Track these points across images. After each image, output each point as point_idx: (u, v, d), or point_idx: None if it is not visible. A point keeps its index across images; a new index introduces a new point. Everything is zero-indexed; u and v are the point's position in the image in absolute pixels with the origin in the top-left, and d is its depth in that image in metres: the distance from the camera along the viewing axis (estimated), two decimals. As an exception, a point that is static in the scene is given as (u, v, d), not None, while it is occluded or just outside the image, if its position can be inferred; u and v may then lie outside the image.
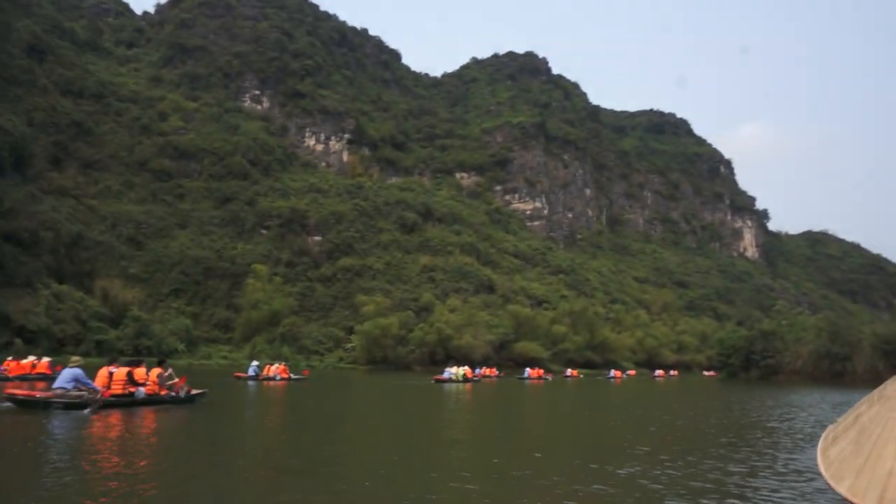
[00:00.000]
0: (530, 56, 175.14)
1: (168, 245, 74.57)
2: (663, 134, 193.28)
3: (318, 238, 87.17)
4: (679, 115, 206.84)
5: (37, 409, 13.82)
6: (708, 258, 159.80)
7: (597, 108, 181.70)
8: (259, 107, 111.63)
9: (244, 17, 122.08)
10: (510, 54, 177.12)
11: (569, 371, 70.75)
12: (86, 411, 14.00)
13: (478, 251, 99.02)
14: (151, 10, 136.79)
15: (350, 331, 73.66)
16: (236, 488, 7.45)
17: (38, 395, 14.41)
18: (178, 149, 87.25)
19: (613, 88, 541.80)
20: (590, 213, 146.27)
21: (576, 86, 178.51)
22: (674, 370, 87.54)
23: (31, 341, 48.20)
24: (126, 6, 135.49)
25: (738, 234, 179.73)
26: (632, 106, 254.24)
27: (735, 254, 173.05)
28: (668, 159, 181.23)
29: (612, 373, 68.70)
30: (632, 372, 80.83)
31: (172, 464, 8.73)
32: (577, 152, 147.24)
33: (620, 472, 8.61)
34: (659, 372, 79.13)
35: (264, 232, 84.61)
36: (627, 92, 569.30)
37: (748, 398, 31.98)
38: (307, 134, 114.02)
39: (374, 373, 59.60)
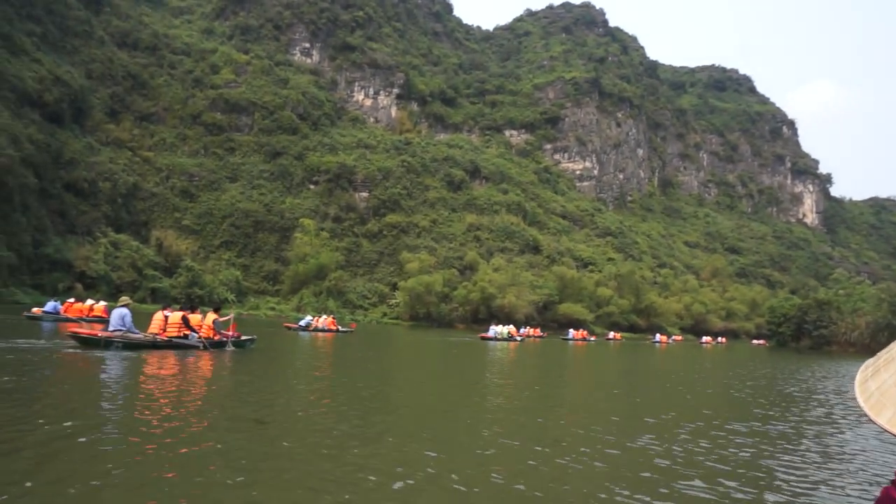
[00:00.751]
0: (586, 7, 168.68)
1: (219, 198, 76.21)
2: (724, 91, 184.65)
3: (364, 194, 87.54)
4: (742, 71, 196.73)
5: (98, 347, 14.50)
6: (763, 223, 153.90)
7: (655, 63, 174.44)
8: (309, 60, 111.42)
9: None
10: (566, 5, 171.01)
11: (611, 334, 70.07)
12: (143, 352, 14.76)
13: (524, 211, 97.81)
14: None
15: (394, 287, 74.50)
16: (280, 420, 7.95)
17: (99, 334, 14.93)
18: (229, 102, 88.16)
19: (673, 42, 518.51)
20: (641, 174, 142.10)
21: (633, 39, 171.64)
22: (721, 337, 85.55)
23: (91, 287, 50.47)
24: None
25: (797, 199, 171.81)
26: (692, 61, 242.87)
27: (793, 220, 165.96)
28: (727, 118, 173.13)
29: (658, 337, 67.77)
30: (678, 337, 79.47)
31: (220, 400, 9.21)
32: (631, 110, 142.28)
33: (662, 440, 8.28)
34: (706, 339, 77.52)
35: (312, 187, 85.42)
36: (688, 46, 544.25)
37: (801, 367, 30.84)
38: (356, 88, 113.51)
39: (417, 329, 60.23)
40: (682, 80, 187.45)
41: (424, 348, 28.78)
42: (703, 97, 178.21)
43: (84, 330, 15.76)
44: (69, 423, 6.53)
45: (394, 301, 73.58)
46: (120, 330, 15.30)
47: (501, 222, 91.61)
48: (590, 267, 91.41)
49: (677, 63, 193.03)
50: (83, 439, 5.95)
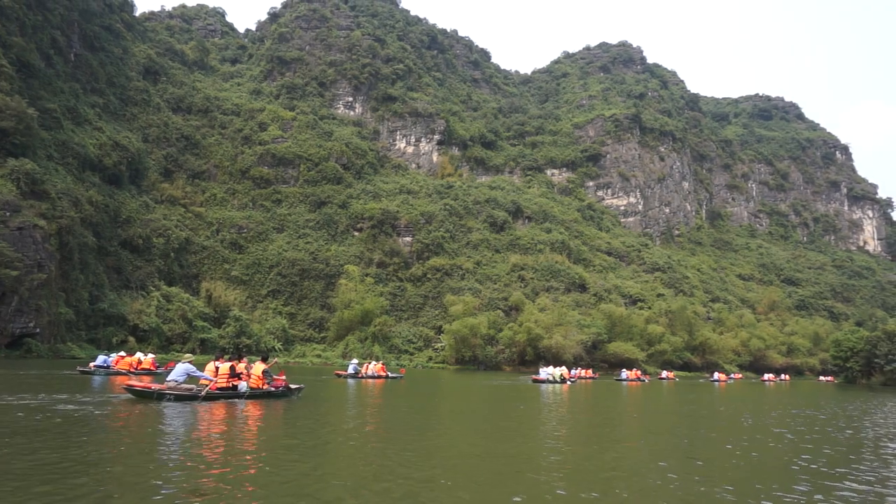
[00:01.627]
0: (624, 46, 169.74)
1: (266, 248, 78.67)
2: (771, 119, 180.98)
3: (408, 238, 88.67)
4: (788, 98, 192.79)
5: (151, 399, 15.18)
6: (821, 253, 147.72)
7: (696, 95, 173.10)
8: (352, 112, 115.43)
9: (338, 27, 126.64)
10: (602, 45, 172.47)
11: (664, 373, 67.72)
12: (195, 403, 15.33)
13: (569, 249, 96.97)
14: (253, 27, 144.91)
15: (439, 330, 74.45)
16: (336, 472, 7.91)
17: (153, 387, 15.64)
18: (275, 156, 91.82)
19: (714, 74, 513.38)
20: (688, 207, 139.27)
21: (673, 74, 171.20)
22: (784, 374, 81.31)
23: (144, 339, 52.44)
24: (230, 26, 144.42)
25: (856, 226, 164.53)
26: (735, 92, 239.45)
27: (853, 247, 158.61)
28: (775, 147, 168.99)
29: (716, 376, 64.69)
30: (737, 375, 76.15)
31: (271, 449, 9.33)
32: (674, 143, 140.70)
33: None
34: (768, 376, 73.35)
35: (356, 234, 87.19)
36: (730, 77, 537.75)
37: (878, 407, 27.97)
38: (398, 136, 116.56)
39: (464, 372, 59.61)
40: (726, 110, 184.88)
41: (476, 393, 27.88)
42: (748, 127, 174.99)
43: (138, 383, 16.49)
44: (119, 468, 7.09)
45: (439, 345, 73.41)
46: (175, 381, 15.99)
47: (546, 261, 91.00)
48: (639, 304, 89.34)
49: (719, 94, 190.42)
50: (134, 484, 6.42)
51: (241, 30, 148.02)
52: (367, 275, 78.30)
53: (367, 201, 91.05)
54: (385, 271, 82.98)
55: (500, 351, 72.22)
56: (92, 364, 29.39)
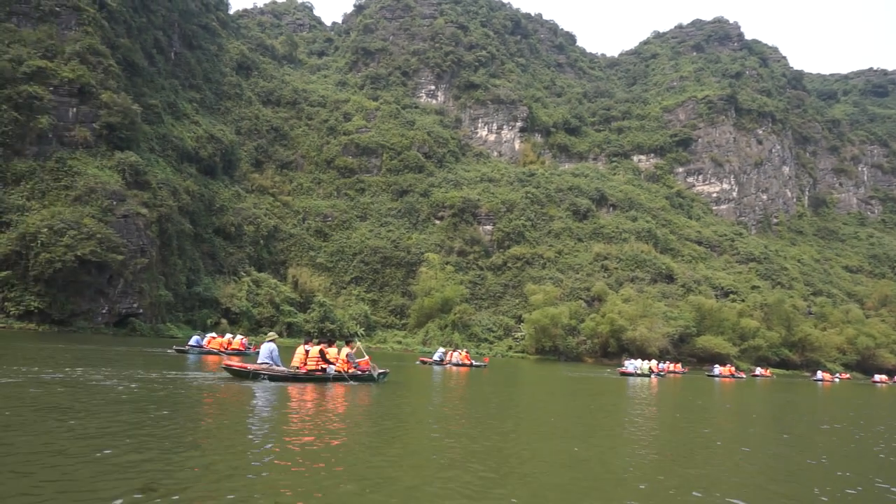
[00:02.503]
0: (719, 22, 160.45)
1: (350, 236, 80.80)
2: (886, 96, 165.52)
3: (489, 227, 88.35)
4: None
5: (247, 378, 15.95)
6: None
7: (800, 73, 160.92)
8: (434, 101, 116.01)
9: (422, 15, 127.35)
10: (696, 22, 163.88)
11: (758, 370, 64.05)
12: (287, 384, 15.96)
13: (656, 238, 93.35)
14: (340, 20, 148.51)
15: (519, 319, 73.92)
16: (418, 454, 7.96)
17: (248, 367, 16.43)
18: (359, 146, 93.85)
19: (821, 49, 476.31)
20: (788, 193, 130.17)
21: (774, 50, 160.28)
22: None
23: (235, 322, 55.30)
24: (318, 19, 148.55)
25: None
26: (845, 67, 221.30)
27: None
28: (891, 126, 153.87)
29: (820, 375, 60.01)
30: (844, 375, 70.70)
31: (359, 430, 9.55)
32: (774, 125, 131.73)
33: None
34: (881, 377, 66.12)
35: (437, 222, 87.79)
36: (839, 51, 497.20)
37: None
38: (479, 124, 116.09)
39: (544, 363, 58.95)
40: (834, 88, 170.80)
41: (561, 385, 27.09)
42: (859, 105, 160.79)
43: (235, 363, 17.20)
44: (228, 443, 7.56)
45: (519, 334, 72.91)
46: (267, 363, 16.70)
47: (631, 251, 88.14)
48: (731, 296, 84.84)
49: (827, 71, 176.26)
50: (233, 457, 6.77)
51: (328, 23, 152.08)
52: (447, 263, 78.71)
53: (448, 190, 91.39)
54: (465, 259, 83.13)
55: (582, 342, 70.81)
56: (187, 344, 31.28)
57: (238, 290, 58.40)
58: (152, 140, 60.44)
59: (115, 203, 46.16)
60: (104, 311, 43.95)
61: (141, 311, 46.40)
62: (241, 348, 32.60)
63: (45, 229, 40.06)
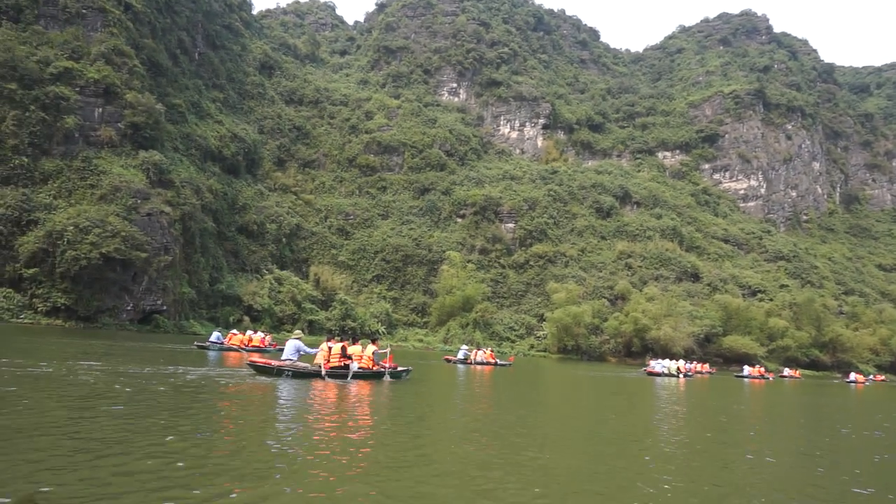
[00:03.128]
0: (747, 15, 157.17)
1: (371, 234, 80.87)
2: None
3: (511, 225, 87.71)
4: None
5: (271, 374, 16.20)
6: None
7: (831, 66, 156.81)
8: (456, 99, 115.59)
9: (444, 13, 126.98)
10: (723, 16, 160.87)
11: (787, 371, 62.55)
12: (311, 380, 16.23)
13: (681, 236, 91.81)
14: (362, 18, 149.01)
15: (541, 318, 73.27)
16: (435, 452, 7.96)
17: (272, 364, 16.64)
18: (381, 144, 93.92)
19: (854, 41, 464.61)
20: (819, 190, 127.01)
21: (804, 43, 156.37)
22: None
23: (257, 319, 55.65)
24: (340, 19, 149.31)
25: None
26: (879, 59, 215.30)
27: None
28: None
29: (853, 377, 58.52)
30: (880, 377, 68.76)
31: (380, 426, 9.62)
32: (803, 120, 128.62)
33: None
34: None
35: (459, 220, 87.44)
36: (872, 43, 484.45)
37: None
38: (502, 122, 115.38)
39: (567, 362, 58.27)
40: (867, 81, 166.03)
41: (587, 385, 26.72)
42: (893, 98, 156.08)
43: (260, 360, 17.41)
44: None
45: (541, 333, 72.29)
46: (291, 359, 16.96)
47: (655, 249, 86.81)
48: (759, 295, 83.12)
49: (859, 64, 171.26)
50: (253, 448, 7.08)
51: (351, 22, 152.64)
52: (469, 261, 78.34)
53: (470, 188, 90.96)
54: (487, 258, 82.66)
55: (605, 341, 69.89)
56: (208, 340, 31.48)
57: (260, 288, 58.79)
58: (176, 139, 61.13)
59: (139, 201, 46.70)
60: (129, 308, 44.49)
61: (165, 308, 46.91)
62: (261, 345, 32.76)
63: (71, 227, 40.65)
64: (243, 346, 31.55)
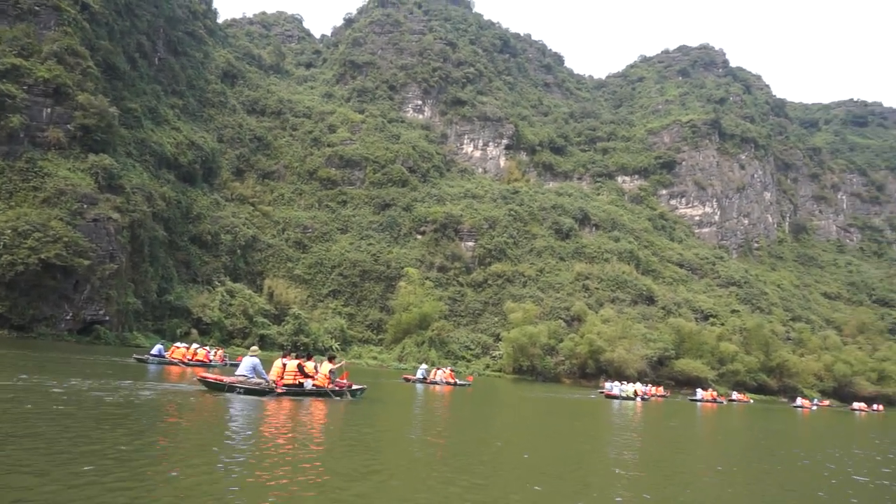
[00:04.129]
0: (705, 49, 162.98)
1: (329, 248, 79.71)
2: (866, 126, 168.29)
3: (471, 243, 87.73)
4: (887, 103, 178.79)
5: (222, 392, 15.68)
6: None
7: (782, 101, 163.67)
8: (421, 116, 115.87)
9: (411, 31, 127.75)
10: (682, 48, 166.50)
11: (735, 395, 63.73)
12: (263, 398, 15.72)
13: (637, 259, 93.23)
14: (329, 33, 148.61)
15: (498, 338, 73.09)
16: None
17: (224, 380, 16.13)
18: (343, 158, 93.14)
19: (803, 78, 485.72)
20: (769, 219, 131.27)
21: (757, 77, 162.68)
22: (878, 404, 73.70)
23: (206, 332, 54.01)
24: (307, 31, 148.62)
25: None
26: (826, 97, 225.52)
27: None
28: (870, 156, 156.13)
29: (799, 401, 59.93)
30: (825, 402, 70.44)
31: (335, 445, 9.63)
32: (756, 151, 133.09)
33: None
34: (859, 405, 65.48)
35: (419, 237, 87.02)
36: (821, 81, 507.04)
37: None
38: (465, 140, 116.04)
39: (521, 382, 58.10)
40: (815, 117, 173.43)
41: (546, 407, 26.46)
42: (839, 134, 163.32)
43: (211, 376, 16.98)
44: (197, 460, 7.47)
45: (497, 352, 72.07)
46: (245, 376, 16.50)
47: (612, 271, 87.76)
48: (711, 319, 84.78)
49: (809, 100, 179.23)
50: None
51: (318, 35, 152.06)
52: (427, 278, 77.86)
53: (432, 205, 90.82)
54: (446, 275, 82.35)
55: (560, 362, 70.03)
56: (148, 353, 30.28)
57: (211, 300, 57.13)
58: (130, 144, 59.36)
59: (85, 206, 45.00)
60: (68, 318, 42.57)
61: (107, 318, 45.08)
62: (205, 359, 31.75)
63: (9, 231, 38.84)
64: (185, 360, 30.52)
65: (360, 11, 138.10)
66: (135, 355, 29.88)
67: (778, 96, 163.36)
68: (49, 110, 48.80)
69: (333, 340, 64.27)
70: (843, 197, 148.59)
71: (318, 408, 14.91)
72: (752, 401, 65.58)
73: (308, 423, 12.07)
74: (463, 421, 16.14)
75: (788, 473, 11.45)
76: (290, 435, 9.97)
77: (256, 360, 16.98)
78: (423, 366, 40.07)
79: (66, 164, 47.38)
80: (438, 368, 39.71)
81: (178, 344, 33.20)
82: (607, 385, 43.52)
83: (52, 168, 46.00)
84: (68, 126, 49.20)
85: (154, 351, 30.25)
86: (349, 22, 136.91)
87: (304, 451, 8.55)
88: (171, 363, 29.64)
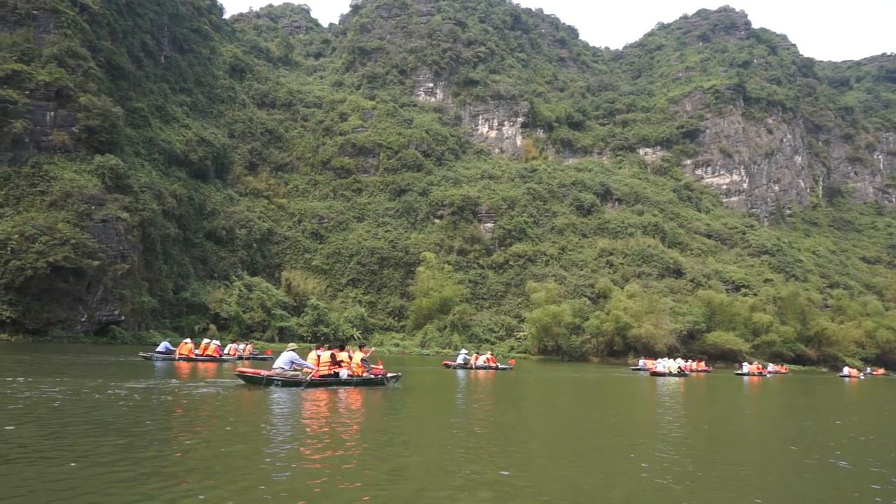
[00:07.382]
0: (725, 11, 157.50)
1: (347, 237, 78.86)
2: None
3: (489, 225, 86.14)
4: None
5: (260, 385, 16.01)
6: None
7: (810, 60, 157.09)
8: (433, 99, 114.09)
9: (419, 13, 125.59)
10: (701, 12, 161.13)
11: (771, 366, 61.28)
12: (300, 388, 16.11)
13: (663, 232, 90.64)
14: (336, 21, 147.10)
15: (521, 319, 71.68)
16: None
17: (262, 373, 16.49)
18: (356, 146, 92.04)
19: (832, 35, 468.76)
20: (801, 183, 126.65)
21: (783, 38, 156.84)
22: None
23: (224, 327, 53.70)
24: (315, 21, 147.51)
25: None
26: (857, 53, 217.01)
27: None
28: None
29: (846, 370, 57.26)
30: (879, 371, 67.50)
31: (371, 433, 9.55)
32: (784, 114, 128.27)
33: None
34: None
35: (437, 221, 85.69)
36: (850, 37, 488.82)
37: None
38: (480, 121, 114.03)
39: (548, 363, 56.77)
40: (846, 75, 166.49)
41: (589, 388, 24.93)
42: (872, 91, 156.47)
43: (249, 370, 17.18)
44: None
45: (521, 334, 70.68)
46: (282, 369, 16.92)
47: (637, 245, 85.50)
48: (743, 290, 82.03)
49: (838, 58, 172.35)
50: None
51: (325, 24, 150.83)
52: (447, 262, 76.61)
53: (448, 188, 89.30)
54: (465, 258, 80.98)
55: (586, 340, 68.31)
56: (154, 351, 29.65)
57: (228, 295, 56.76)
58: (138, 144, 59.05)
59: (92, 208, 44.71)
60: (83, 319, 42.46)
61: (122, 318, 44.91)
62: (215, 354, 31.11)
63: (16, 236, 38.63)
64: (192, 356, 29.88)
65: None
66: (141, 353, 29.28)
67: (805, 56, 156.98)
68: (52, 113, 48.53)
69: (354, 329, 63.56)
70: (880, 156, 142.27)
71: (354, 396, 15.08)
72: (789, 371, 63.19)
73: (342, 412, 12.04)
74: (546, 408, 15.70)
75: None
76: (324, 425, 9.95)
77: (294, 354, 17.42)
78: (463, 350, 39.23)
79: (73, 167, 47.11)
80: (479, 353, 38.94)
81: (186, 340, 32.64)
82: (650, 362, 42.39)
83: (59, 171, 45.73)
84: (73, 128, 48.92)
85: (160, 348, 29.62)
86: (356, 8, 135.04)
87: (336, 442, 8.44)
88: (179, 359, 29.02)
